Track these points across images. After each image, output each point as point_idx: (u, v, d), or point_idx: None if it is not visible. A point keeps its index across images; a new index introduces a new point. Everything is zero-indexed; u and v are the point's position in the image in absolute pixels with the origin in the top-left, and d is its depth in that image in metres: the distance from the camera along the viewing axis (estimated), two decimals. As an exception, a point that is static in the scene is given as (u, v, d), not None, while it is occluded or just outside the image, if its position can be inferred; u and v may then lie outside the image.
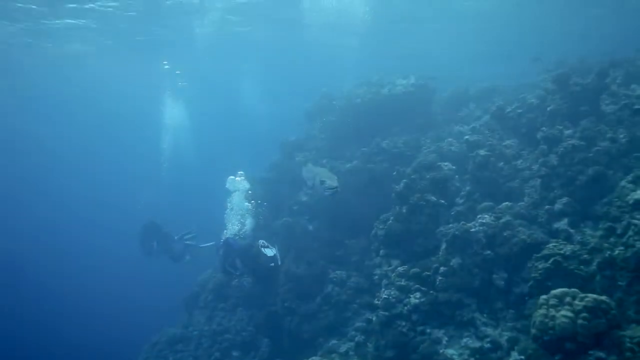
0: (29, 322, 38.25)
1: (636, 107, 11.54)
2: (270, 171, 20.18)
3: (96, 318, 36.68)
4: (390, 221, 12.36)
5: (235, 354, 15.89)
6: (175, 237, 17.87)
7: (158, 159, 46.56)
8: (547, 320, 7.72)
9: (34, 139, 58.08)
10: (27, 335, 36.32)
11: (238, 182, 17.01)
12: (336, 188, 8.07)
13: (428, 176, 12.65)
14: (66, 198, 64.61)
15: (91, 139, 64.92)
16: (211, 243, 15.01)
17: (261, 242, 14.42)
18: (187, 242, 17.72)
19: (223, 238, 15.08)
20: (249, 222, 16.44)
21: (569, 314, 7.54)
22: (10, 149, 57.68)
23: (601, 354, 7.24)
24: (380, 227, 12.88)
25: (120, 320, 34.63)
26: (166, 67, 32.92)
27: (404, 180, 12.55)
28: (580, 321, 7.42)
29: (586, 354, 7.36)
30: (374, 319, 11.42)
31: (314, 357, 11.81)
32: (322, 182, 8.24)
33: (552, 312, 7.74)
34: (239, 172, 17.17)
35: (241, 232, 15.15)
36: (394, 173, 13.88)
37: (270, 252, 14.27)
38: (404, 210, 12.16)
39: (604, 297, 7.61)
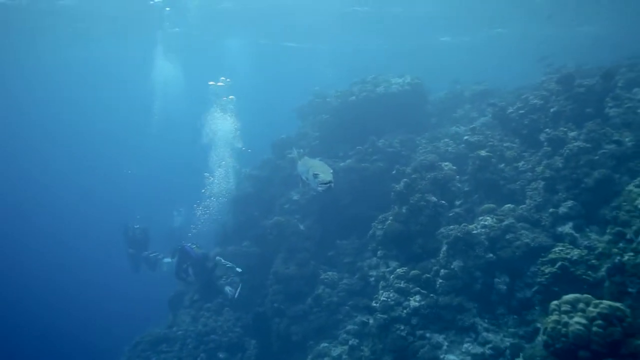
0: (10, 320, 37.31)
1: None
2: (261, 169, 19.76)
3: (75, 317, 35.90)
4: (389, 221, 11.99)
5: (221, 355, 15.43)
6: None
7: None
8: (559, 327, 7.37)
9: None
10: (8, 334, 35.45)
11: None
12: (330, 183, 7.50)
13: (429, 176, 12.31)
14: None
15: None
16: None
17: (223, 280, 14.92)
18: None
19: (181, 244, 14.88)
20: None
21: (583, 320, 7.19)
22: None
23: (617, 364, 6.90)
24: (379, 227, 12.52)
25: (103, 318, 33.97)
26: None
27: (404, 180, 12.19)
28: (594, 329, 7.07)
29: (601, 363, 7.02)
30: (371, 321, 11.06)
31: (306, 361, 11.35)
32: (316, 176, 7.66)
33: (565, 318, 7.38)
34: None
35: (198, 244, 14.86)
36: (394, 172, 13.57)
37: (229, 290, 14.55)
38: (404, 211, 11.80)
39: (619, 304, 7.28)
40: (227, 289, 14.55)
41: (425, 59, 41.12)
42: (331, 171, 7.72)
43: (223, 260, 14.70)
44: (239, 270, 14.60)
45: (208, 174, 19.79)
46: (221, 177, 19.65)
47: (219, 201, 19.29)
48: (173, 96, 41.17)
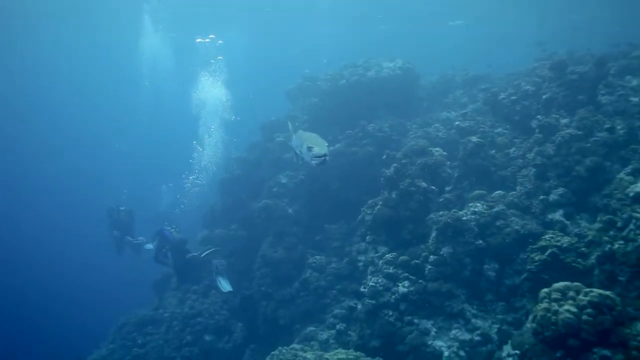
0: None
1: None
2: (250, 152, 19.56)
3: (60, 299, 35.67)
4: (379, 206, 11.87)
5: (207, 338, 15.32)
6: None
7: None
8: (549, 314, 7.33)
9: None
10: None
11: None
12: (325, 156, 7.23)
13: (419, 161, 12.18)
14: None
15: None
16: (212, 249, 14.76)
17: (216, 263, 14.56)
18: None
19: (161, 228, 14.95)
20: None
21: (573, 309, 7.15)
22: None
23: (606, 352, 6.86)
24: (368, 212, 12.41)
25: (88, 299, 33.76)
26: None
27: (394, 165, 12.05)
28: (584, 317, 7.03)
29: (590, 352, 6.98)
30: (359, 307, 10.96)
31: (293, 345, 11.26)
32: (310, 149, 7.39)
33: (555, 306, 7.34)
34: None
35: (178, 228, 14.81)
36: (384, 157, 13.45)
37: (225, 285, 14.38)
38: (394, 196, 11.68)
39: (609, 293, 7.24)
40: (220, 280, 14.41)
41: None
42: (326, 144, 7.48)
43: (200, 255, 14.57)
44: (216, 249, 14.67)
45: (195, 142, 19.73)
46: (210, 147, 19.63)
47: (207, 173, 19.28)
48: (162, 71, 40.58)
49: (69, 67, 53.54)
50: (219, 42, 29.38)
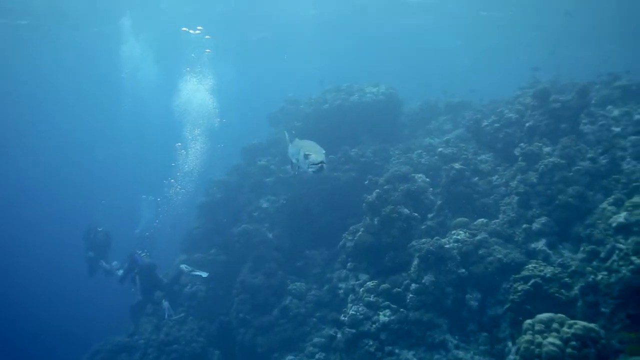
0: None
1: None
2: (231, 175, 19.31)
3: (30, 323, 34.63)
4: (360, 233, 11.67)
5: (183, 366, 14.91)
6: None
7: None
8: (533, 347, 7.13)
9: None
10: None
11: None
12: (322, 163, 7.02)
13: (402, 188, 12.06)
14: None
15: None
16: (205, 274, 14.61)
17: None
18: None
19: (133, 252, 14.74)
20: None
21: (557, 341, 6.96)
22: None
23: (591, 387, 6.69)
24: (349, 238, 12.21)
25: (60, 326, 32.81)
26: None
27: (377, 191, 11.89)
28: (568, 350, 6.85)
29: (574, 386, 6.80)
30: (339, 335, 10.69)
31: (271, 375, 10.96)
32: (307, 157, 7.16)
33: (539, 338, 7.15)
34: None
35: (148, 252, 14.69)
36: (366, 182, 13.26)
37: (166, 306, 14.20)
38: (375, 222, 11.49)
39: (593, 325, 7.08)
40: (165, 304, 14.16)
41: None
42: (323, 152, 7.28)
43: (187, 268, 14.38)
44: (204, 275, 14.37)
45: (180, 144, 19.56)
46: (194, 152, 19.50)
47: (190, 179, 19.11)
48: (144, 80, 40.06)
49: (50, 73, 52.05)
50: (207, 37, 28.52)
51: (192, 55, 23.54)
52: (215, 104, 21.37)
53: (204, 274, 14.42)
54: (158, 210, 20.66)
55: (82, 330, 25.87)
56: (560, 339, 7.01)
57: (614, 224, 8.90)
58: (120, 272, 15.78)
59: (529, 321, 7.55)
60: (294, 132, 8.86)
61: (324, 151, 7.25)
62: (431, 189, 12.84)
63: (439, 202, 12.69)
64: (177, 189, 19.50)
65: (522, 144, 12.22)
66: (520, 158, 11.87)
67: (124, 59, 34.72)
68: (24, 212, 53.21)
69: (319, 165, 7.04)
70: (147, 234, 19.20)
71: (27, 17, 29.61)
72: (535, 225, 10.39)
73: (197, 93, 21.58)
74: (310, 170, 7.14)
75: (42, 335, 32.39)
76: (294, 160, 7.94)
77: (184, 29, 26.32)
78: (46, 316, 34.76)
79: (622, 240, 8.55)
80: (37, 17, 29.92)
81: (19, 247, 45.88)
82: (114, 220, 19.50)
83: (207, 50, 24.86)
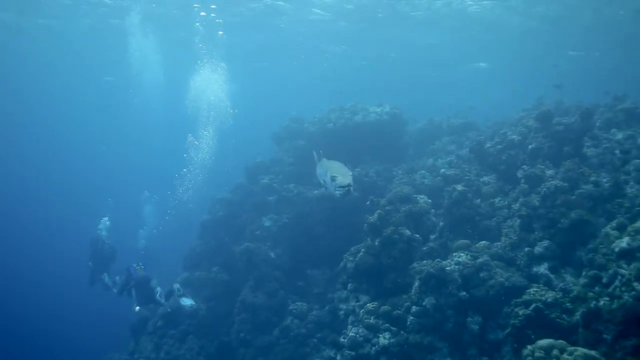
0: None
1: None
2: (234, 193, 19.30)
3: (34, 337, 34.40)
4: (361, 254, 11.63)
5: (182, 386, 14.80)
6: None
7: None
8: (532, 374, 7.06)
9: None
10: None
11: None
12: (349, 186, 7.03)
13: (403, 209, 12.02)
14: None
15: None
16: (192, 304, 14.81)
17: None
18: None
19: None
20: None
21: (557, 369, 6.89)
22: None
23: (591, 416, 6.59)
24: (350, 259, 12.13)
25: (63, 339, 32.58)
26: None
27: (378, 212, 11.86)
28: (569, 378, 6.78)
29: (574, 415, 6.70)
30: (338, 357, 10.61)
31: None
32: (333, 179, 7.19)
33: (539, 365, 7.08)
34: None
35: (142, 264, 14.92)
36: (368, 203, 13.23)
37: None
38: (377, 243, 11.45)
39: (594, 352, 7.01)
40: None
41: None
42: (350, 174, 7.31)
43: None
44: (189, 304, 14.65)
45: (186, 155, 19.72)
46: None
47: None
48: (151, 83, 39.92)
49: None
50: (218, 20, 27.88)
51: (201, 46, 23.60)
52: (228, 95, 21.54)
53: (190, 303, 14.57)
54: (159, 217, 20.71)
55: (86, 338, 25.76)
56: (561, 366, 6.94)
57: (616, 249, 8.80)
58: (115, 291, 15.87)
59: (529, 347, 7.49)
60: (320, 151, 8.87)
61: (350, 173, 7.29)
62: (433, 210, 12.79)
63: (441, 224, 12.64)
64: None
65: (524, 166, 12.18)
66: (522, 180, 11.83)
67: (131, 53, 34.36)
68: (35, 209, 53.27)
69: (346, 188, 7.05)
70: (142, 252, 19.24)
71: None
72: (537, 249, 10.30)
73: (209, 85, 21.74)
74: (337, 193, 7.14)
75: (46, 343, 32.16)
76: (321, 181, 7.96)
77: (196, 6, 25.50)
78: (47, 321, 34.54)
79: (624, 266, 8.45)
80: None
81: (19, 247, 45.59)
82: (120, 218, 19.49)
83: (220, 32, 24.72)
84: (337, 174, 7.21)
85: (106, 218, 18.88)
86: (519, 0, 25.58)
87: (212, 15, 25.74)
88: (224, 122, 21.83)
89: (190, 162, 20.36)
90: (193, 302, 14.62)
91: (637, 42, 31.51)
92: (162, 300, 14.42)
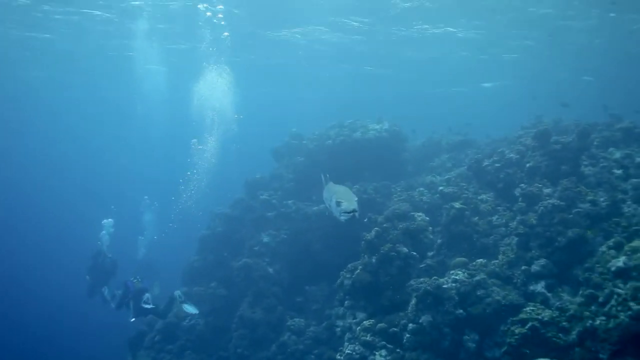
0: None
1: None
2: (233, 208, 19.34)
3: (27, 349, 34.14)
4: (358, 271, 11.63)
5: (179, 402, 14.75)
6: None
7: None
8: (527, 393, 7.06)
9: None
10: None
11: None
12: (354, 212, 7.08)
13: (401, 226, 12.06)
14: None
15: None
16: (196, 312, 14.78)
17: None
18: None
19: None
20: None
21: (552, 388, 6.90)
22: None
23: None
24: (347, 276, 12.12)
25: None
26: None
27: (376, 229, 11.89)
28: (564, 397, 6.78)
29: None
30: (334, 375, 10.58)
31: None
32: (339, 204, 7.24)
33: (534, 385, 7.08)
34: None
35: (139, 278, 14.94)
36: (366, 220, 13.25)
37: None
38: (374, 260, 11.46)
39: (590, 372, 7.01)
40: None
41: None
42: (356, 199, 7.34)
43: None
44: (193, 311, 14.50)
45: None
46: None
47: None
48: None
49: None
50: (222, 23, 27.48)
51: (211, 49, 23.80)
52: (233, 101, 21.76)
53: (194, 311, 14.46)
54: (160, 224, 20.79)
55: (85, 349, 25.62)
56: (556, 385, 6.95)
57: (612, 268, 8.85)
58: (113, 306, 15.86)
59: (525, 366, 7.50)
60: (327, 175, 8.94)
61: (356, 198, 7.33)
62: (431, 227, 12.80)
63: (438, 241, 12.66)
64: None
65: (522, 185, 12.23)
66: (520, 199, 11.86)
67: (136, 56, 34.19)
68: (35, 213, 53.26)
69: (351, 213, 7.11)
70: (141, 262, 19.25)
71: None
72: (534, 267, 10.31)
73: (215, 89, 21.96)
74: (342, 218, 7.20)
75: (45, 352, 31.92)
76: (327, 205, 8.02)
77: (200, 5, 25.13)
78: (47, 330, 34.31)
79: (621, 285, 8.49)
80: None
81: (19, 255, 45.34)
82: (120, 225, 19.49)
83: (226, 34, 24.66)
84: (342, 199, 7.27)
85: (110, 220, 18.81)
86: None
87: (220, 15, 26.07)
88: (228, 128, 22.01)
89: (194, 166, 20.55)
90: (196, 310, 14.52)
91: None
92: (149, 306, 14.31)
